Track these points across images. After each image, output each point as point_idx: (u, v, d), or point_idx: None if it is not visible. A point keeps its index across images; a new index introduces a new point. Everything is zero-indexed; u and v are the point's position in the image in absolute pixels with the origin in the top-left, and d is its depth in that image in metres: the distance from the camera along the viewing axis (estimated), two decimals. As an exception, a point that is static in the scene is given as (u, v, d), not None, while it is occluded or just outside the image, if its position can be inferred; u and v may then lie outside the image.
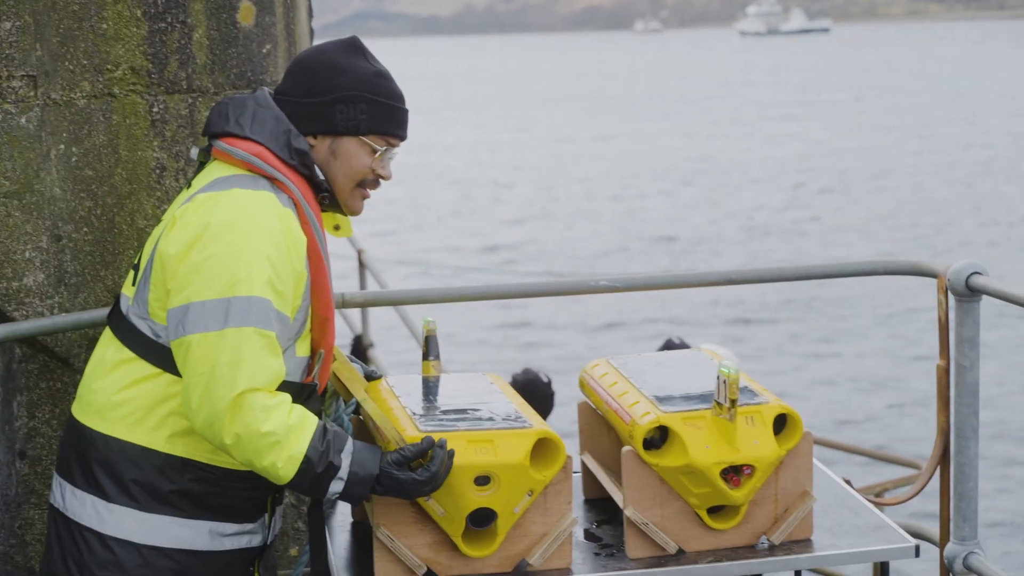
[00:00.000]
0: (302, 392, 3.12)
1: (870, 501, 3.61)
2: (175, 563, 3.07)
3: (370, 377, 3.44)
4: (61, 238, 3.66)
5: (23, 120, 3.57)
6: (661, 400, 3.32)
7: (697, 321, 19.67)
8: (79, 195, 3.68)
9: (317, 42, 4.43)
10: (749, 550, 3.30)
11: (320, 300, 3.11)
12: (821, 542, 3.34)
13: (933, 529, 4.03)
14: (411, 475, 3.01)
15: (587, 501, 3.69)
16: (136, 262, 3.18)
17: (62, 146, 3.65)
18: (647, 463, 3.24)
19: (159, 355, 3.03)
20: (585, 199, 32.06)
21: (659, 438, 3.26)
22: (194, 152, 3.20)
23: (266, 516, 3.22)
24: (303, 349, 3.12)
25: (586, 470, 3.68)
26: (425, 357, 3.59)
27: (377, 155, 3.17)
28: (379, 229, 28.76)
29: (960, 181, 35.12)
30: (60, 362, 3.72)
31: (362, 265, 8.57)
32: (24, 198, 3.58)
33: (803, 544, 3.33)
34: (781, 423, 3.29)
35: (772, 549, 3.30)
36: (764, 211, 30.00)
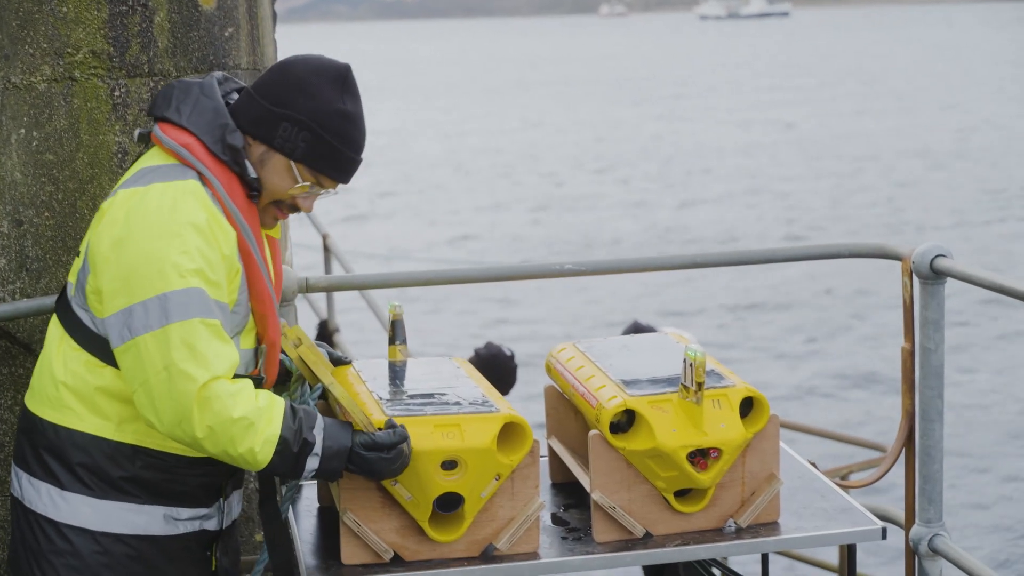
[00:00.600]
0: None
1: (836, 484, 3.62)
2: (131, 549, 3.05)
3: (339, 362, 3.42)
4: (22, 223, 3.63)
5: (-17, 104, 3.53)
6: (628, 384, 3.31)
7: (664, 307, 19.69)
8: (40, 180, 3.65)
9: (280, 27, 4.40)
10: (716, 533, 3.31)
11: (255, 295, 3.08)
12: (788, 525, 3.34)
13: (898, 512, 4.03)
14: (379, 454, 2.99)
15: (554, 485, 3.68)
16: (80, 249, 3.14)
17: (23, 130, 3.62)
18: (614, 447, 3.24)
19: (100, 347, 3.00)
20: (556, 184, 32.01)
21: (626, 422, 3.25)
22: (136, 134, 3.13)
23: (221, 500, 3.20)
24: (247, 342, 3.10)
25: (553, 454, 3.68)
26: (391, 342, 3.58)
27: (298, 186, 3.10)
28: (346, 215, 28.66)
29: (935, 165, 35.21)
30: (22, 347, 3.69)
31: (327, 249, 8.53)
32: (-16, 183, 3.54)
33: (770, 527, 3.33)
34: (748, 406, 3.29)
35: (739, 532, 3.31)
36: (739, 196, 30.04)
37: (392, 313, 3.58)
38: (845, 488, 3.65)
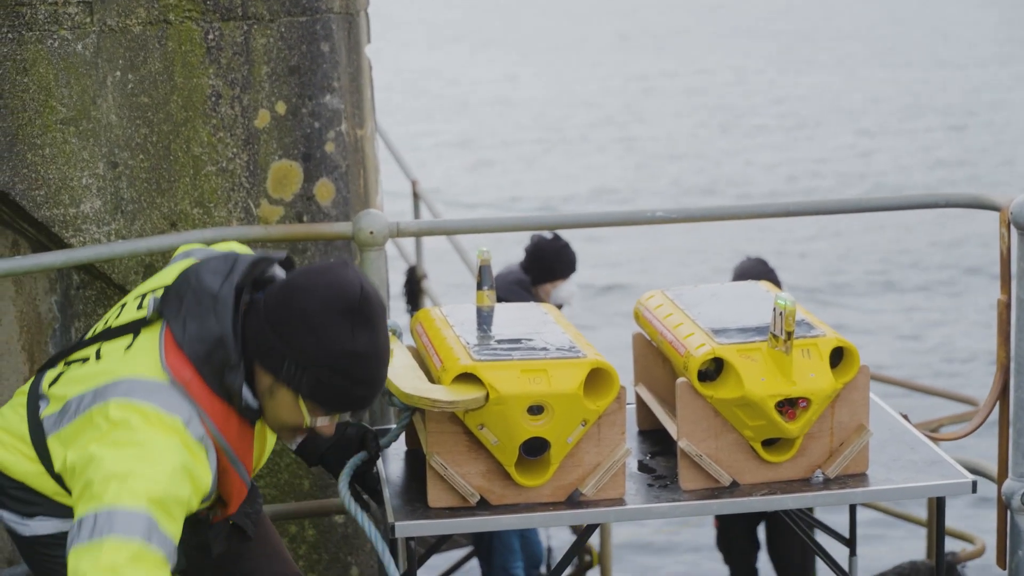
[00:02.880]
0: (220, 529, 3.07)
1: (927, 436, 3.58)
2: None
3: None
4: (117, 165, 3.67)
5: (79, 47, 3.56)
6: (717, 332, 3.29)
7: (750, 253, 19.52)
8: (135, 122, 3.69)
9: None
10: (804, 483, 3.29)
11: (223, 490, 2.97)
12: (876, 476, 3.31)
13: (991, 465, 3.99)
14: None
15: (641, 432, 3.67)
16: (73, 349, 3.02)
17: (118, 73, 3.65)
18: (701, 395, 3.22)
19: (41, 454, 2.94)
20: (659, 141, 31.74)
21: (714, 370, 3.24)
22: (150, 307, 2.92)
23: None
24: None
25: (640, 401, 3.67)
26: (479, 287, 3.58)
27: (307, 422, 2.94)
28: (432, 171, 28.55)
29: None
30: (117, 289, 3.74)
31: (416, 196, 8.55)
32: (80, 125, 3.58)
33: (858, 478, 3.30)
34: (838, 356, 3.26)
35: (827, 483, 3.28)
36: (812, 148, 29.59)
37: (480, 258, 3.58)
38: (936, 441, 3.60)
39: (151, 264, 3.73)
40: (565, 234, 6.67)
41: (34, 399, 3.00)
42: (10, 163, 3.53)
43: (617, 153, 27.87)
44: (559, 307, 6.99)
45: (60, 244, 3.65)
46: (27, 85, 3.53)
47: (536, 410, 3.07)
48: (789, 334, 3.14)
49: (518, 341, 3.23)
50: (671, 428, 3.38)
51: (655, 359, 3.64)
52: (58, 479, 2.90)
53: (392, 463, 3.49)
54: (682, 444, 3.24)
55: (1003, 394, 3.75)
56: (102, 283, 3.75)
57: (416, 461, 3.46)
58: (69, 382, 2.95)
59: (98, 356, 2.95)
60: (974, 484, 3.28)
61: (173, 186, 3.74)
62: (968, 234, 19.92)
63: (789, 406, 3.19)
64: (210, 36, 3.74)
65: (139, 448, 2.75)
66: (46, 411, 2.95)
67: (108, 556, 2.68)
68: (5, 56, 3.50)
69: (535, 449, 3.12)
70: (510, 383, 3.05)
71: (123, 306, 3.00)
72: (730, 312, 3.45)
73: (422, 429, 3.22)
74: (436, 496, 3.17)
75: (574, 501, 3.19)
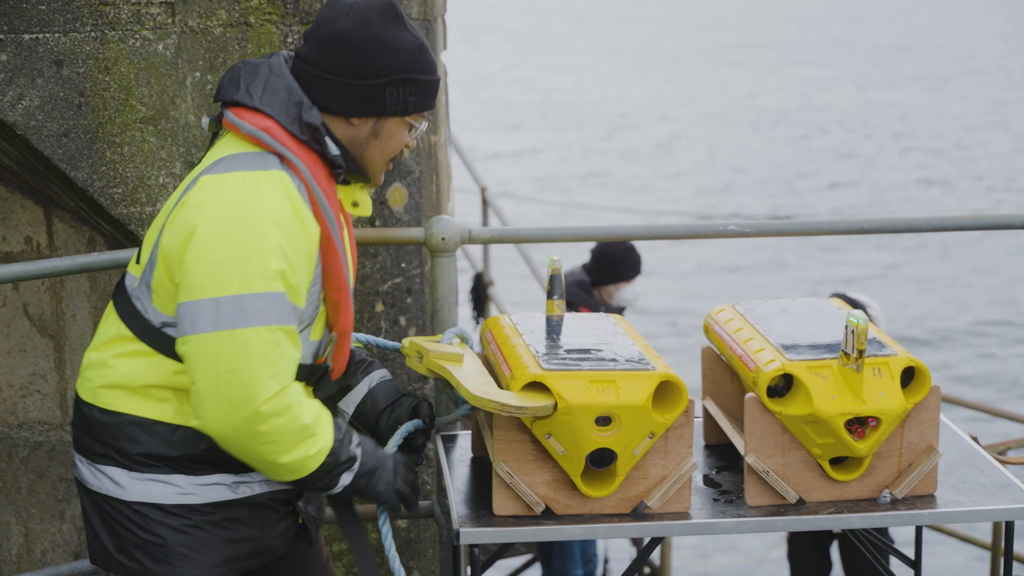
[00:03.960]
0: (314, 373, 3.05)
1: (996, 459, 3.55)
2: (213, 516, 3.00)
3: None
4: (194, 164, 3.70)
5: (160, 47, 3.60)
6: (787, 348, 3.27)
7: (808, 268, 19.36)
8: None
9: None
10: (871, 503, 3.26)
11: (331, 283, 2.98)
12: (944, 498, 3.28)
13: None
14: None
15: (707, 447, 3.66)
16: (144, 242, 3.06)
17: (198, 74, 3.69)
18: (770, 411, 3.21)
19: (157, 339, 2.93)
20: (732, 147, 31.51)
21: (783, 386, 3.22)
22: (205, 121, 3.04)
23: None
24: (317, 332, 3.03)
25: (708, 415, 3.66)
26: (549, 296, 3.58)
27: (414, 131, 3.07)
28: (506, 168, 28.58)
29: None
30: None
31: (485, 202, 8.58)
32: (159, 124, 3.62)
33: (926, 500, 3.28)
34: (909, 376, 3.24)
35: (895, 503, 3.26)
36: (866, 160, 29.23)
37: (551, 268, 3.58)
38: (1005, 464, 3.57)
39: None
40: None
41: (120, 296, 3.00)
42: (89, 160, 3.57)
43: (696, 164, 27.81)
44: (622, 309, 6.99)
45: (135, 242, 3.69)
46: (108, 84, 3.57)
47: (604, 421, 3.07)
48: (861, 352, 3.12)
49: (587, 352, 3.22)
50: (738, 443, 3.37)
51: (724, 373, 3.63)
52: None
53: (457, 469, 3.50)
54: (749, 460, 3.23)
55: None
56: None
57: (482, 469, 3.47)
58: (147, 237, 2.99)
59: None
60: (1046, 510, 3.25)
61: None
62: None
63: (858, 425, 3.17)
64: (289, 39, 3.77)
65: (243, 218, 2.79)
66: (138, 277, 2.96)
67: (253, 341, 2.76)
68: (88, 54, 3.54)
69: (602, 460, 3.11)
70: (579, 393, 3.05)
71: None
72: (800, 328, 3.43)
73: (489, 437, 3.22)
74: (501, 504, 3.17)
75: (639, 513, 3.18)
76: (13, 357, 3.97)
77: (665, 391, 3.13)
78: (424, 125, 3.09)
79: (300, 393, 2.86)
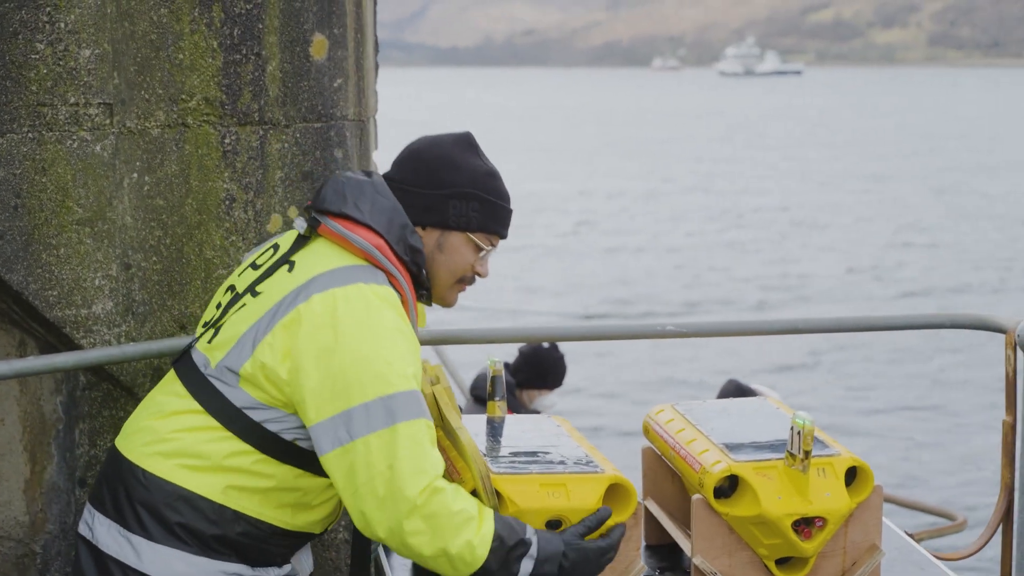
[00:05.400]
0: None
1: (935, 556, 3.58)
2: None
3: None
4: (131, 267, 3.66)
5: (98, 148, 3.57)
6: (731, 448, 3.30)
7: (743, 368, 19.46)
8: (150, 224, 3.68)
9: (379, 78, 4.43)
10: (816, 603, 3.28)
11: None
12: (888, 598, 3.31)
13: (991, 586, 3.99)
14: (597, 543, 3.03)
15: (648, 547, 3.66)
16: (215, 319, 3.13)
17: (135, 175, 3.65)
18: (717, 512, 3.22)
19: (237, 422, 3.00)
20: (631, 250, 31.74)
21: (728, 487, 3.24)
22: (300, 224, 3.13)
23: (295, 557, 3.22)
24: None
25: (649, 516, 3.66)
26: (491, 397, 3.58)
27: (481, 254, 3.19)
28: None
29: (992, 229, 34.72)
30: (124, 391, 3.72)
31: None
32: (96, 226, 3.58)
33: (870, 598, 3.30)
34: (851, 475, 3.27)
35: (839, 603, 3.27)
36: (802, 262, 29.68)
37: (492, 369, 3.59)
38: (942, 560, 3.61)
39: (159, 367, 3.71)
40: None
41: (190, 373, 3.07)
42: (25, 263, 3.51)
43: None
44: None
45: (69, 344, 3.63)
46: (45, 185, 3.52)
47: (555, 524, 3.06)
48: (807, 453, 3.15)
49: (535, 454, 3.22)
50: (683, 543, 3.37)
51: (664, 473, 3.64)
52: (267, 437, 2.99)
53: (399, 574, 3.45)
54: (697, 561, 3.24)
55: (1007, 515, 3.77)
56: (108, 384, 3.72)
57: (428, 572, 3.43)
58: (233, 325, 3.06)
59: (255, 294, 3.09)
60: (988, 607, 3.29)
61: (184, 288, 3.73)
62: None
63: (805, 525, 3.19)
64: (226, 140, 3.75)
65: (372, 327, 2.92)
66: (215, 360, 3.04)
67: (405, 437, 2.86)
68: (25, 156, 3.49)
69: None
70: (529, 497, 3.05)
71: (230, 289, 3.19)
72: (742, 428, 3.46)
73: None
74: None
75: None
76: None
77: (614, 493, 3.13)
78: (492, 250, 3.21)
79: (451, 484, 2.93)
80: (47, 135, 3.52)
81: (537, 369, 7.01)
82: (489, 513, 2.94)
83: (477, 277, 3.24)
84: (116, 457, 3.10)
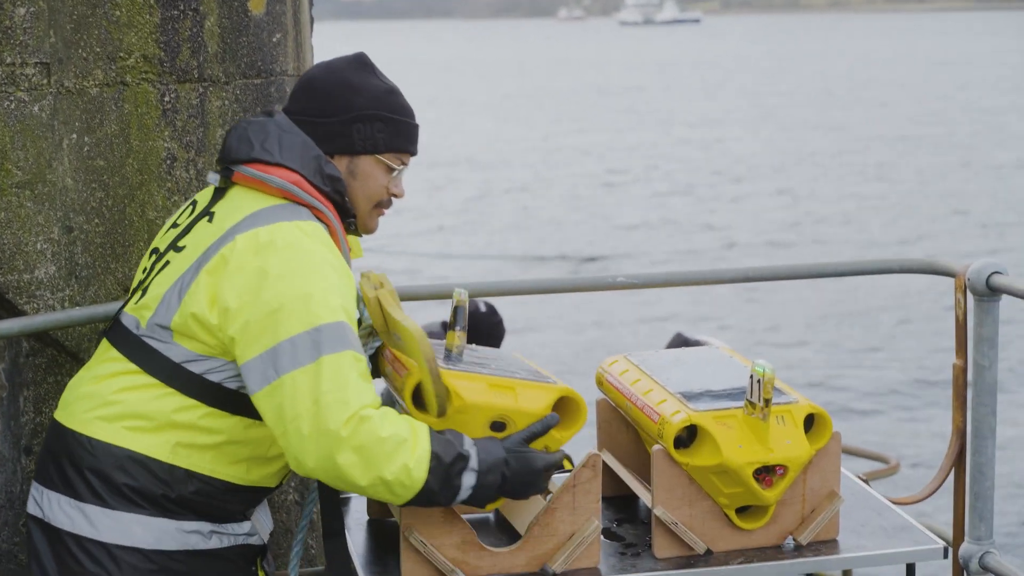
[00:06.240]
0: None
1: (890, 500, 3.60)
2: (182, 565, 3.01)
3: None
4: (72, 229, 3.57)
5: (36, 108, 3.48)
6: (688, 397, 3.28)
7: (706, 317, 19.42)
8: (91, 186, 3.60)
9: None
10: (776, 550, 3.28)
11: None
12: (848, 543, 3.32)
13: (944, 528, 4.03)
14: (541, 453, 2.99)
15: (604, 499, 3.64)
16: (142, 283, 3.10)
17: (74, 135, 3.56)
18: (677, 462, 3.21)
19: (177, 377, 2.96)
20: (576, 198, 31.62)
21: (687, 437, 3.23)
22: (213, 178, 3.09)
23: (255, 515, 3.18)
24: None
25: (605, 467, 3.64)
26: (451, 327, 3.52)
27: (393, 173, 3.15)
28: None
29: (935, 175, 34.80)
30: (69, 356, 3.64)
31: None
32: (36, 188, 3.49)
33: (830, 545, 3.31)
34: (809, 423, 3.27)
35: (799, 550, 3.28)
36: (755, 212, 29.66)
37: (456, 299, 3.52)
38: (897, 504, 3.63)
39: (105, 331, 3.63)
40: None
41: (122, 337, 3.03)
42: (-36, 228, 3.42)
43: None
44: None
45: (11, 310, 3.54)
46: (-19, 148, 3.43)
47: (499, 426, 3.02)
48: (767, 401, 3.14)
49: (488, 365, 3.18)
50: (642, 494, 3.36)
51: (619, 425, 3.63)
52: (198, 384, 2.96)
53: (355, 534, 3.42)
54: (658, 512, 3.22)
55: (959, 459, 3.79)
56: (53, 350, 3.64)
57: (381, 532, 3.41)
58: (158, 284, 3.03)
59: (178, 249, 3.05)
60: (945, 550, 3.30)
61: (128, 251, 3.66)
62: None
63: (767, 473, 3.19)
64: (166, 98, 3.67)
65: (299, 262, 2.88)
66: (145, 319, 3.00)
67: (328, 370, 2.81)
68: (-40, 118, 3.40)
69: None
70: (476, 393, 3.00)
71: (154, 252, 3.14)
72: (696, 377, 3.44)
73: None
74: (411, 570, 3.10)
75: (547, 572, 3.14)
76: None
77: (564, 407, 3.10)
78: (404, 169, 3.17)
79: (379, 411, 2.86)
80: (-18, 96, 3.42)
81: (473, 334, 6.93)
82: (424, 432, 2.88)
83: (394, 199, 3.21)
84: (58, 429, 3.05)
